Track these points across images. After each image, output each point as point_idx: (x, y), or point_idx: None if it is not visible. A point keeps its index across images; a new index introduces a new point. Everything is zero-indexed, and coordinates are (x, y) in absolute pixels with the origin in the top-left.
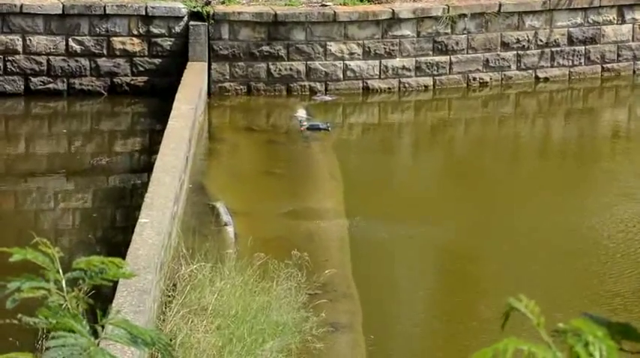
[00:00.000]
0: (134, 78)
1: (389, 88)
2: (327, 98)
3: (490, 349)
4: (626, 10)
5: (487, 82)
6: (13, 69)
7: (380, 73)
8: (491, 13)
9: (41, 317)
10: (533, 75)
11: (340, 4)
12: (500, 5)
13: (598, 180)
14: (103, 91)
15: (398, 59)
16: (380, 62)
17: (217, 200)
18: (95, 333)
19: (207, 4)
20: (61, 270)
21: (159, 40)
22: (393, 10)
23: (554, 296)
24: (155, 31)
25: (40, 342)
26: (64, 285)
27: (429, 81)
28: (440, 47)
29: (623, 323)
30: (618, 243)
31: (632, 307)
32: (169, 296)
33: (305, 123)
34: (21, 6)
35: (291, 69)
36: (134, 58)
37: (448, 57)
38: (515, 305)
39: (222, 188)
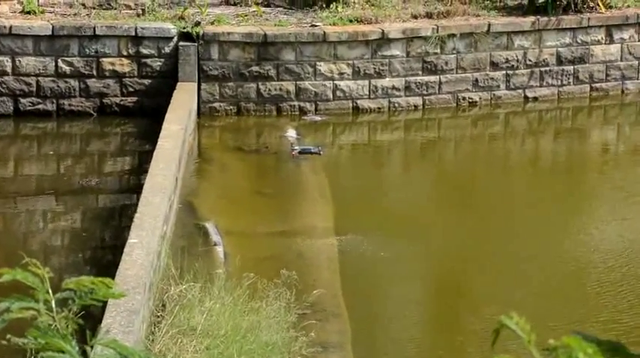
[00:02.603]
0: (124, 98)
1: (378, 108)
2: (317, 118)
3: None
4: (614, 30)
5: (476, 102)
6: (2, 90)
7: (369, 92)
8: (480, 33)
9: (30, 338)
10: (523, 94)
11: (330, 25)
12: (489, 25)
13: (586, 198)
14: (93, 112)
15: (387, 79)
16: (369, 82)
17: (207, 220)
18: (84, 353)
19: (197, 24)
20: (50, 291)
21: (148, 60)
22: (382, 30)
23: (546, 315)
24: (145, 51)
25: None
26: (53, 306)
27: (418, 100)
28: (429, 67)
29: (613, 341)
30: (606, 262)
31: (624, 326)
32: (158, 317)
33: (297, 147)
34: (10, 27)
35: (280, 89)
36: (124, 79)
37: (437, 77)
38: (505, 322)
39: (212, 208)
